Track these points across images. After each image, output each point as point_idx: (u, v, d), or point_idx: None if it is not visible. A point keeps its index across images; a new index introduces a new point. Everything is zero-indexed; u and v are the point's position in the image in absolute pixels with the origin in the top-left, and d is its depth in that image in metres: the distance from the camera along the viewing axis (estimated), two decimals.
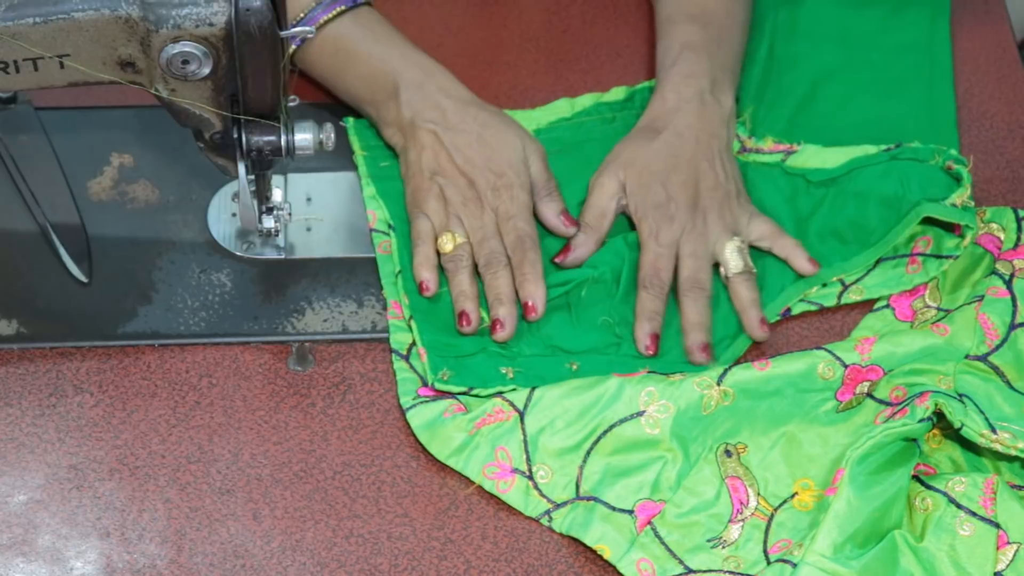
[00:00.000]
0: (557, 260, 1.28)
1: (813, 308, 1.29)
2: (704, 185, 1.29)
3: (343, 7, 1.31)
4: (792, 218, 1.33)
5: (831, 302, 1.29)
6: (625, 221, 1.31)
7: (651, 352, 1.24)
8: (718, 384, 1.18)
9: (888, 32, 1.47)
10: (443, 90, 1.30)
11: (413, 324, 1.23)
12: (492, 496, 1.17)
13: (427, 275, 1.25)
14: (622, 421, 1.17)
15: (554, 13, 1.47)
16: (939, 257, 1.29)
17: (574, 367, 1.23)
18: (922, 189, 1.31)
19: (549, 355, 1.24)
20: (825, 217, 1.32)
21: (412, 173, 1.29)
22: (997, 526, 1.10)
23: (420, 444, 1.18)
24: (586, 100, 1.40)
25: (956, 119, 1.40)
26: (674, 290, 1.27)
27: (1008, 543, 1.10)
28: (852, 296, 1.29)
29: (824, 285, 1.29)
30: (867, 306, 1.29)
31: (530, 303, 1.24)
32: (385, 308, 1.26)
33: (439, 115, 1.29)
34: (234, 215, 1.30)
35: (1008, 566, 1.10)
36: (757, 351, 1.26)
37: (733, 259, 1.27)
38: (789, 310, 1.29)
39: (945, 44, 1.46)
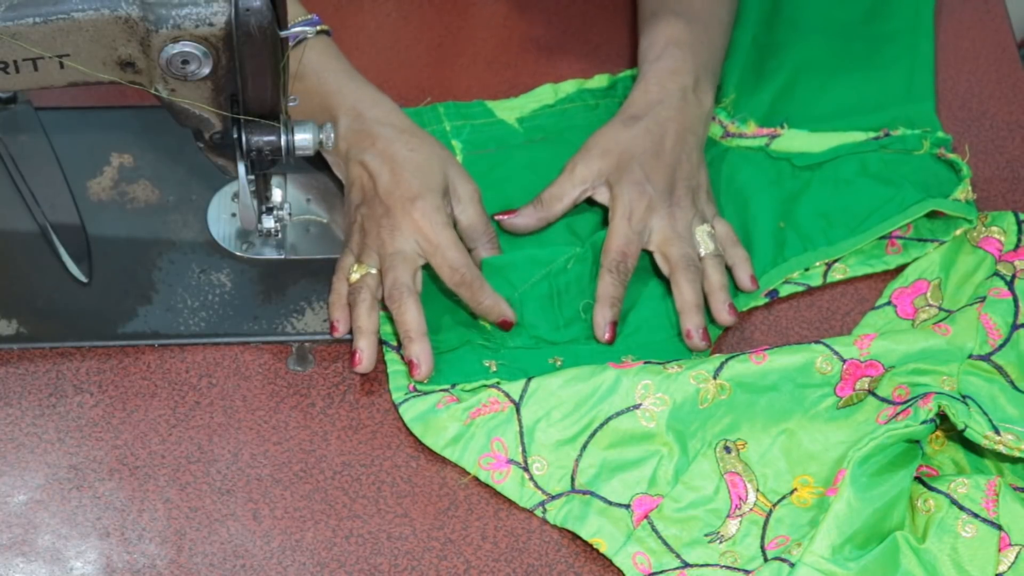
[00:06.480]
0: (498, 217, 1.28)
1: (800, 289, 1.30)
2: (679, 174, 1.29)
3: (302, 38, 1.26)
4: (777, 200, 1.33)
5: (817, 282, 1.30)
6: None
7: (608, 339, 1.24)
8: (714, 378, 1.18)
9: (871, 22, 1.47)
10: (379, 120, 1.26)
11: None
12: (492, 496, 1.17)
13: (337, 314, 1.23)
14: (618, 414, 1.17)
15: (554, 13, 1.47)
16: (922, 241, 1.30)
17: (558, 363, 1.23)
18: (917, 184, 1.32)
19: (533, 347, 1.24)
20: (812, 200, 1.33)
21: (345, 209, 1.28)
22: (999, 528, 1.10)
23: (420, 444, 1.19)
24: (569, 86, 1.41)
25: (935, 106, 1.40)
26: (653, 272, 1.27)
27: (1010, 545, 1.10)
28: (836, 275, 1.30)
29: (807, 269, 1.30)
30: (866, 302, 1.30)
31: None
32: None
33: (370, 144, 1.25)
34: (234, 215, 1.30)
35: (1010, 568, 1.10)
36: (754, 343, 1.26)
37: (704, 241, 1.27)
38: (776, 292, 1.29)
39: (928, 32, 1.46)
